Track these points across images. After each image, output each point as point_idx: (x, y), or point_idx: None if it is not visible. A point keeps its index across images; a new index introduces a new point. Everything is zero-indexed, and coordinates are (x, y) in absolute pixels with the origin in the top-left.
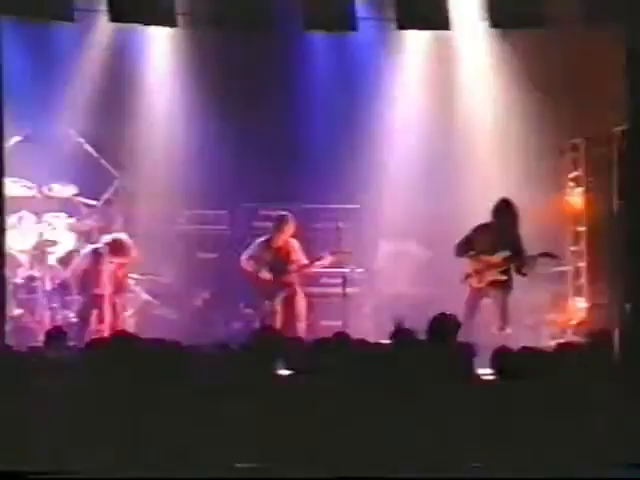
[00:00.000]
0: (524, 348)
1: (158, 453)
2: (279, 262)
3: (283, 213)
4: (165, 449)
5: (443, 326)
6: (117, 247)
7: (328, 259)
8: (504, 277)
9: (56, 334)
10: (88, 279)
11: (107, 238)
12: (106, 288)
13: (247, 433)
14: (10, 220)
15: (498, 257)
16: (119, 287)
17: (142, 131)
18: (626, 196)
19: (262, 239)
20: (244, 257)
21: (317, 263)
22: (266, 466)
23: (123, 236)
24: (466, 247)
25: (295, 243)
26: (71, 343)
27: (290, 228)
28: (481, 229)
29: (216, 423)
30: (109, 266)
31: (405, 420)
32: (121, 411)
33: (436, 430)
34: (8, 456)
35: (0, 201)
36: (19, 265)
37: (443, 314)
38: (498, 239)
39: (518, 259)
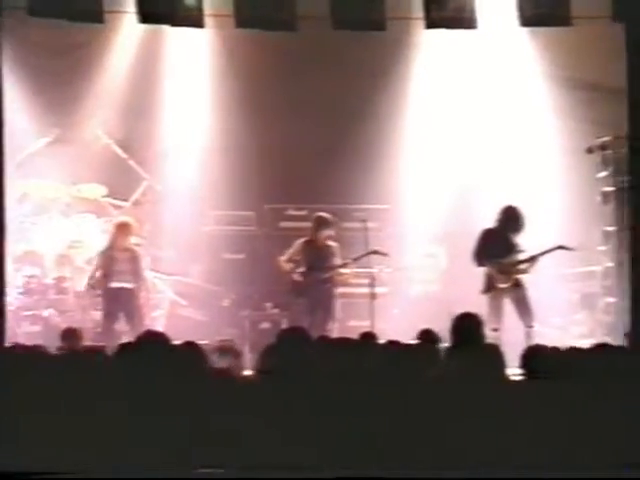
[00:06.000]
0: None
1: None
2: (318, 263)
3: (323, 214)
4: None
5: (466, 325)
6: (123, 225)
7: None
8: (526, 275)
9: (70, 334)
10: (104, 273)
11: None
12: (124, 279)
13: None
14: (40, 221)
15: (517, 257)
16: (137, 277)
17: (170, 132)
18: None
19: (302, 240)
20: (283, 258)
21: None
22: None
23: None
24: (483, 255)
25: (334, 244)
26: (99, 343)
27: (329, 229)
28: (488, 235)
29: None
30: (120, 254)
31: (431, 421)
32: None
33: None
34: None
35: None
36: (49, 266)
37: (466, 313)
38: (508, 241)
39: (535, 257)
